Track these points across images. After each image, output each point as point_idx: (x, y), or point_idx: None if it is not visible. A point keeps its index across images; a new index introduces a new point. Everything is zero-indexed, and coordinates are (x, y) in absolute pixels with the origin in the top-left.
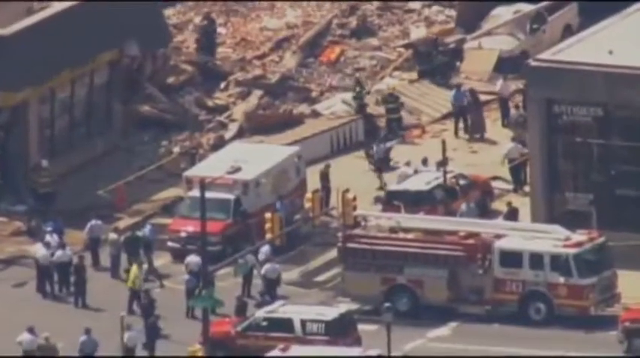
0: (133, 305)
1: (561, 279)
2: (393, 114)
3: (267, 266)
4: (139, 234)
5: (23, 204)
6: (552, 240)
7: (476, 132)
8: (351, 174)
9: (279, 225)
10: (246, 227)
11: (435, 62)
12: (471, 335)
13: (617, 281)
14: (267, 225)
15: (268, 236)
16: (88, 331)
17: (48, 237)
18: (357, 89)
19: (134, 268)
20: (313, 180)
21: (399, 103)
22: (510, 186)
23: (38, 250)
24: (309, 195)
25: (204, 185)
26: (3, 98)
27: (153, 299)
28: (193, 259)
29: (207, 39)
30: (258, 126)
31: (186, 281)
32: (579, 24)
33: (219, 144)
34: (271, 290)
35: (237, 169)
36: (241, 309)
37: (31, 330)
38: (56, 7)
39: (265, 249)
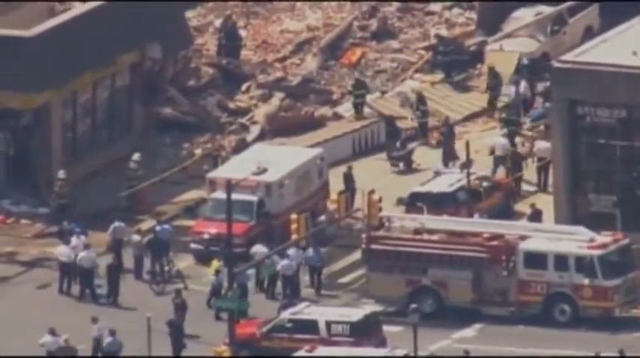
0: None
1: (586, 281)
2: (424, 118)
3: (283, 262)
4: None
5: (45, 206)
6: (577, 241)
7: (448, 160)
8: (373, 176)
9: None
10: (270, 228)
11: (449, 59)
12: (496, 337)
13: None
14: (293, 226)
15: (294, 237)
16: (112, 332)
17: (74, 239)
18: (358, 91)
19: (215, 263)
20: (335, 182)
21: (427, 106)
22: (534, 188)
23: (65, 253)
24: (334, 196)
25: (230, 187)
26: (25, 100)
27: (184, 299)
28: (260, 249)
29: (230, 41)
30: (279, 128)
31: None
32: (600, 26)
33: (240, 146)
34: (288, 287)
35: (264, 170)
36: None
37: (52, 332)
38: (78, 9)
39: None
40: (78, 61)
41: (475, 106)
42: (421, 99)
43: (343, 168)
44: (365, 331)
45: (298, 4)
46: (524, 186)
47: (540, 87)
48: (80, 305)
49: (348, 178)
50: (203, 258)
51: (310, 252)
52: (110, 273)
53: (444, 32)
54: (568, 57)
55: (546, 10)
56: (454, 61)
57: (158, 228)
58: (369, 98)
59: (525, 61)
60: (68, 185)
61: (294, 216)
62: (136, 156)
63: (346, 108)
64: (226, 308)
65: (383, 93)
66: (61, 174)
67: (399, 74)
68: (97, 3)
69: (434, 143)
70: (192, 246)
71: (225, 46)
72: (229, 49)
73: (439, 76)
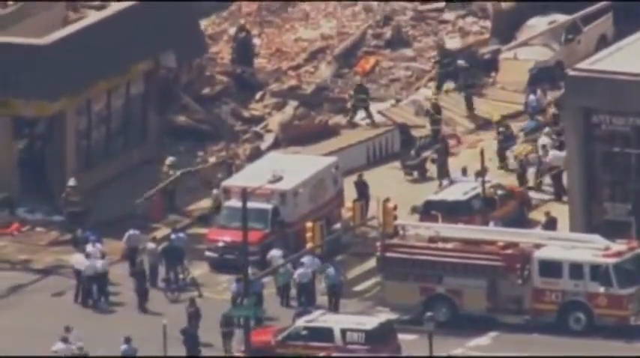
0: None
1: (601, 289)
2: (437, 126)
3: (299, 270)
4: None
5: (60, 214)
6: (592, 249)
7: (441, 177)
8: (388, 184)
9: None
10: (284, 236)
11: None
12: (511, 345)
13: None
14: (309, 234)
15: (309, 245)
16: (128, 340)
17: (90, 247)
18: (359, 95)
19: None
20: (349, 191)
21: (442, 114)
22: (548, 197)
23: (79, 261)
24: (349, 204)
25: (246, 195)
26: (40, 107)
27: (198, 308)
28: (276, 253)
29: (244, 50)
30: (293, 136)
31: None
32: (614, 34)
33: (255, 154)
34: (303, 294)
35: (279, 178)
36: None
37: (64, 340)
38: (92, 18)
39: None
40: (92, 69)
41: (490, 114)
42: (436, 107)
43: (355, 177)
44: (380, 339)
45: (312, 12)
46: (535, 195)
47: (550, 96)
48: (95, 313)
49: (362, 186)
50: (217, 266)
51: (332, 270)
52: (137, 280)
53: (457, 41)
54: (583, 65)
55: (560, 18)
56: (452, 73)
57: (173, 235)
58: (383, 106)
59: (534, 70)
60: (78, 193)
61: (309, 224)
62: (169, 160)
63: (360, 117)
64: (242, 316)
65: (397, 101)
66: (71, 181)
67: (413, 82)
68: (112, 11)
69: (430, 161)
70: (207, 253)
71: (238, 54)
72: (243, 58)
73: (452, 84)
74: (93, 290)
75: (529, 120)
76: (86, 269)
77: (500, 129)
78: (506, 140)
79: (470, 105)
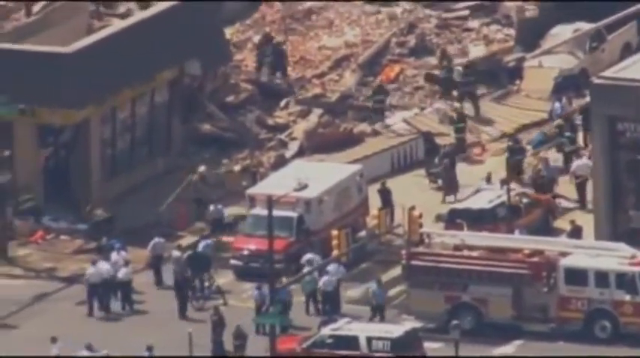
0: None
1: (627, 297)
2: (461, 134)
3: (324, 278)
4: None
5: (84, 222)
6: (617, 257)
7: (449, 193)
8: (412, 192)
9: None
10: (309, 245)
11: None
12: (536, 353)
13: None
14: (334, 242)
15: (335, 253)
16: (150, 348)
17: (115, 255)
18: (377, 96)
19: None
20: (374, 199)
21: (466, 123)
22: (573, 204)
23: (91, 271)
24: (374, 212)
25: (271, 203)
26: (65, 116)
27: (222, 316)
28: (309, 256)
29: (279, 58)
30: (318, 144)
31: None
32: (639, 42)
33: (279, 162)
34: (328, 303)
35: (304, 186)
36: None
37: (89, 347)
38: (116, 26)
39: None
40: (117, 77)
41: (513, 123)
42: (460, 115)
43: (378, 186)
44: (406, 347)
45: (336, 20)
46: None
47: (575, 103)
48: (119, 322)
49: (385, 194)
50: (242, 274)
51: (375, 287)
52: (178, 288)
53: (481, 48)
54: (608, 73)
55: (585, 26)
56: (450, 80)
57: (202, 242)
58: (407, 114)
59: (559, 78)
60: (100, 203)
61: (335, 232)
62: (202, 168)
63: (383, 124)
64: (267, 324)
65: (421, 109)
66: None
67: (437, 90)
68: (136, 19)
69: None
70: (232, 262)
71: (271, 62)
72: (278, 66)
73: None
74: (94, 298)
75: (538, 132)
76: (90, 276)
77: (510, 143)
78: (516, 153)
79: (462, 102)
